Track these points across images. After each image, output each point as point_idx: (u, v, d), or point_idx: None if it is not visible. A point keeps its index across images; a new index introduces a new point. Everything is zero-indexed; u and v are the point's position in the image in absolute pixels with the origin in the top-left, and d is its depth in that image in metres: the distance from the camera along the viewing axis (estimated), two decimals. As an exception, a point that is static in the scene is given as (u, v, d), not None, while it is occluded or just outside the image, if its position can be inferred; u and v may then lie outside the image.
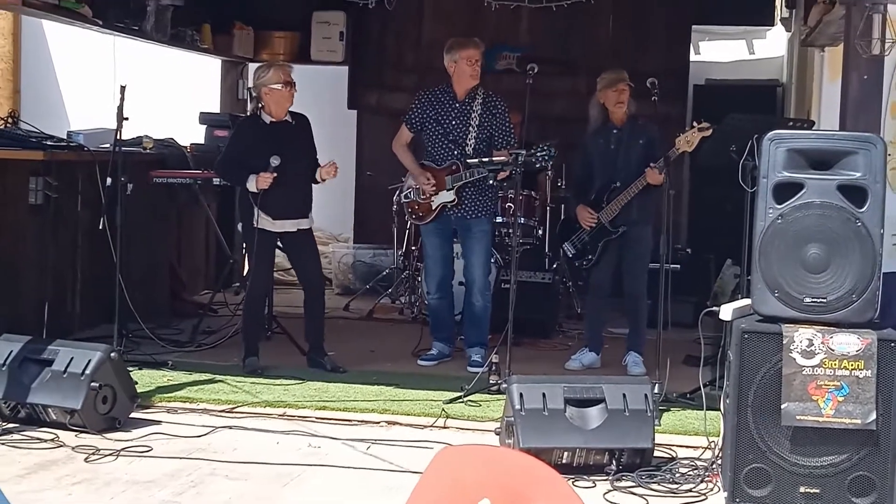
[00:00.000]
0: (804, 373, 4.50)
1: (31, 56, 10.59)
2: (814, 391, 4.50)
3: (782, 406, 4.51)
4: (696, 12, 10.08)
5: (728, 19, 10.50)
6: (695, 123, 6.57)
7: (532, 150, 6.72)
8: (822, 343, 4.51)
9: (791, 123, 6.68)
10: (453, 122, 7.11)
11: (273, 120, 6.76)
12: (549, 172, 8.76)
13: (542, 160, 6.80)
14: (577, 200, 7.22)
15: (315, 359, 6.86)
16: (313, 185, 6.96)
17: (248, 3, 7.46)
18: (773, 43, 11.18)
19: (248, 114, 6.99)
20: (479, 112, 7.08)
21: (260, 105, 6.80)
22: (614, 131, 7.03)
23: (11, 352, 5.53)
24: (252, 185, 6.61)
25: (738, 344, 4.61)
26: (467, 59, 7.04)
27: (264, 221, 6.68)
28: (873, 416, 4.46)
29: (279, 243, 6.95)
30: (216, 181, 7.96)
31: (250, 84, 6.92)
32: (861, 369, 4.48)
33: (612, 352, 7.30)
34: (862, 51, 5.43)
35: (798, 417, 4.49)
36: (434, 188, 7.07)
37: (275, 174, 6.58)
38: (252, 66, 10.60)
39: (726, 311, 4.84)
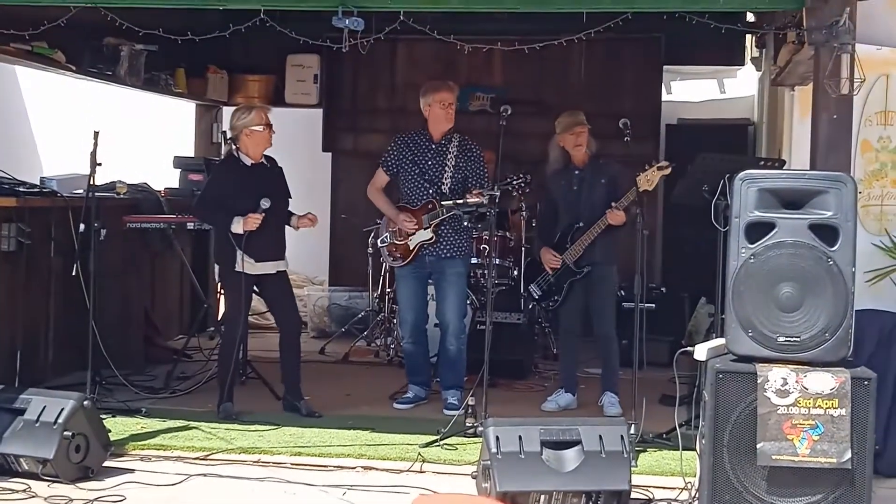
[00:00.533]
0: (779, 412, 4.51)
1: (4, 101, 10.57)
2: (789, 430, 4.51)
3: (758, 446, 4.51)
4: (667, 53, 10.16)
5: (699, 59, 10.60)
6: (654, 162, 6.64)
7: (508, 179, 6.77)
8: (797, 382, 4.53)
9: (762, 163, 6.72)
10: (429, 163, 7.14)
11: (252, 162, 6.77)
12: (524, 213, 8.79)
13: (519, 187, 6.86)
14: (541, 242, 7.27)
15: (291, 403, 6.82)
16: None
17: (221, 46, 7.47)
18: (743, 82, 11.29)
19: (224, 156, 6.97)
20: (454, 154, 7.13)
21: (235, 147, 6.80)
22: (576, 172, 7.09)
23: (-18, 401, 5.47)
24: (238, 227, 6.59)
25: (713, 384, 4.62)
26: (441, 103, 7.09)
27: (246, 265, 6.65)
28: (848, 455, 4.47)
29: (255, 287, 6.92)
30: (190, 225, 7.94)
31: (228, 126, 6.92)
32: (835, 408, 4.50)
33: (589, 392, 7.29)
34: (831, 90, 5.49)
35: (774, 457, 4.49)
36: (414, 227, 7.08)
37: (262, 216, 6.59)
38: (227, 110, 10.68)
39: (701, 351, 4.86)
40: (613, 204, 6.79)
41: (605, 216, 6.84)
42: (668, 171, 6.63)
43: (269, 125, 6.78)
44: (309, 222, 6.92)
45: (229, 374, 6.77)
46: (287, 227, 6.94)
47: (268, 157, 6.89)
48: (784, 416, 4.51)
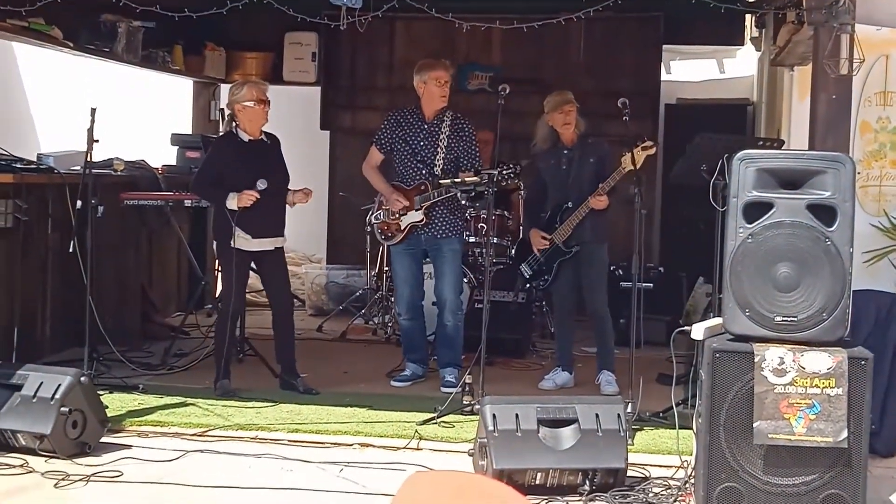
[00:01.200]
0: (776, 391, 4.52)
1: (1, 78, 10.53)
2: (785, 409, 4.52)
3: (754, 425, 4.52)
4: (667, 32, 10.13)
5: (698, 39, 10.56)
6: (639, 142, 6.63)
7: (500, 169, 6.79)
8: (794, 361, 4.54)
9: (761, 143, 6.70)
10: (421, 143, 7.13)
11: (250, 138, 6.76)
12: (522, 192, 8.78)
13: (507, 178, 6.84)
14: (530, 223, 7.27)
15: (287, 381, 6.83)
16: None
17: (219, 24, 7.45)
18: (743, 62, 11.26)
19: (223, 132, 6.95)
20: (447, 134, 7.11)
21: (234, 123, 6.79)
22: (565, 151, 7.08)
23: (-21, 377, 5.48)
24: (233, 202, 6.60)
25: (710, 363, 4.62)
26: (436, 80, 7.07)
27: (242, 241, 6.66)
28: (845, 434, 4.48)
29: (252, 264, 6.92)
30: (188, 202, 7.93)
31: (224, 102, 6.90)
32: (832, 387, 4.51)
33: (586, 371, 7.30)
34: (830, 71, 5.48)
35: (770, 436, 4.51)
36: (405, 207, 7.07)
37: (258, 195, 6.59)
38: (224, 87, 10.65)
39: (698, 331, 4.86)
40: (600, 186, 6.79)
41: (588, 200, 6.83)
42: (653, 150, 6.64)
43: (262, 101, 6.72)
44: (304, 196, 6.88)
45: (224, 351, 6.75)
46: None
47: (268, 134, 6.87)
48: (781, 395, 4.52)
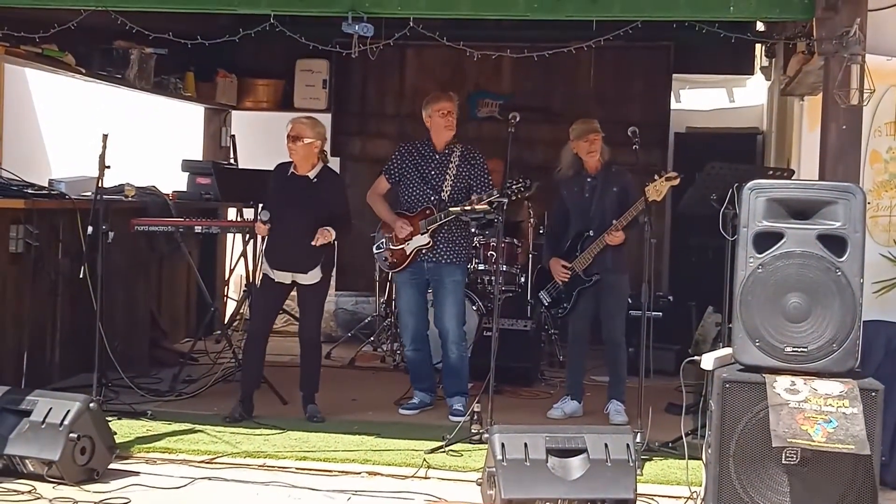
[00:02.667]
0: (790, 405, 4.47)
1: (14, 104, 10.57)
2: (802, 422, 4.46)
3: (772, 430, 4.43)
4: (677, 61, 10.16)
5: (708, 68, 10.58)
6: (662, 172, 6.62)
7: (508, 184, 6.79)
8: (805, 384, 4.52)
9: (771, 172, 6.71)
10: (432, 172, 7.17)
11: (293, 172, 6.84)
12: (532, 220, 8.79)
13: (518, 192, 6.85)
14: (551, 251, 7.25)
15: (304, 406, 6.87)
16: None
17: (231, 50, 7.51)
18: (752, 91, 11.27)
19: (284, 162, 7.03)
20: (456, 164, 7.16)
21: None
22: (588, 179, 7.08)
23: (-11, 402, 5.48)
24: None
25: (720, 393, 4.61)
26: (439, 112, 7.12)
27: (267, 268, 6.83)
28: (868, 448, 4.41)
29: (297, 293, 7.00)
30: (198, 229, 7.95)
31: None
32: (847, 406, 4.47)
33: (595, 400, 7.28)
34: (840, 101, 5.49)
35: (789, 440, 4.43)
36: (409, 233, 7.09)
37: (268, 226, 6.71)
38: (235, 114, 10.72)
39: (708, 361, 4.85)
40: (615, 222, 6.78)
41: (603, 236, 6.84)
42: (677, 181, 6.61)
43: (293, 137, 6.77)
44: (322, 238, 6.77)
45: (248, 374, 6.91)
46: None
47: (323, 173, 6.89)
48: (796, 409, 4.45)
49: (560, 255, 7.14)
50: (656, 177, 6.61)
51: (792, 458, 4.56)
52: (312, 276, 6.81)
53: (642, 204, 6.64)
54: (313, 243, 6.73)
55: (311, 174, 6.85)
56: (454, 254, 7.16)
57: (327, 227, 6.73)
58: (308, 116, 7.06)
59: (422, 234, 7.09)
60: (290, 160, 6.90)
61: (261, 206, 6.86)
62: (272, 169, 7.07)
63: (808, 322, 4.60)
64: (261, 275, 6.98)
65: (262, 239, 6.92)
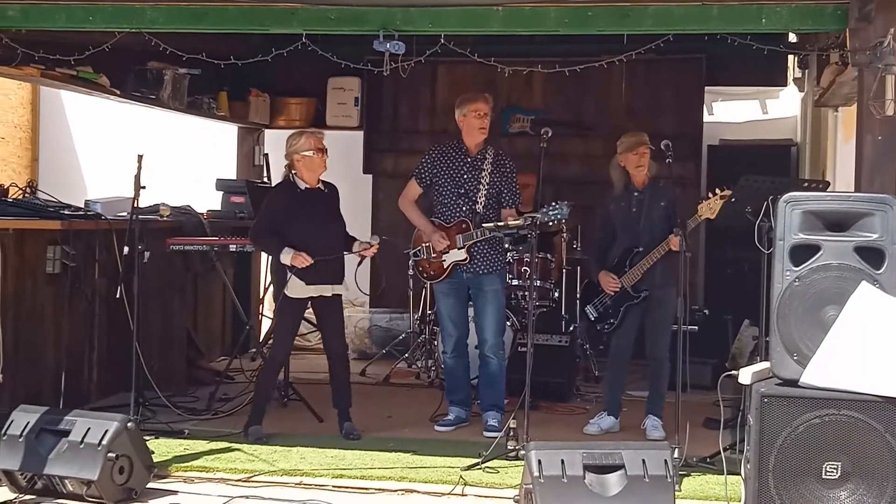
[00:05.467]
0: None
1: (50, 125, 10.72)
2: None
3: None
4: (709, 73, 10.10)
5: (741, 80, 10.52)
6: (717, 190, 6.53)
7: (545, 210, 6.71)
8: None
9: (806, 184, 6.67)
10: (465, 176, 7.14)
11: (307, 186, 6.81)
12: (565, 235, 8.77)
13: (555, 218, 6.78)
14: (599, 266, 7.17)
15: (340, 423, 6.85)
16: None
17: (263, 69, 7.55)
18: (786, 103, 11.22)
19: (281, 180, 7.00)
20: (489, 170, 7.13)
21: (293, 172, 6.85)
22: (636, 194, 7.01)
23: (28, 423, 5.51)
24: (287, 258, 6.65)
25: (758, 408, 4.57)
26: (475, 113, 7.09)
27: (296, 288, 6.70)
28: None
29: (311, 307, 6.94)
30: (233, 247, 8.00)
31: (283, 152, 6.97)
32: None
33: (631, 415, 7.24)
34: (876, 112, 5.45)
35: None
36: (447, 247, 7.09)
37: (312, 261, 6.62)
38: (269, 133, 10.77)
39: (745, 375, 4.81)
40: (675, 230, 6.66)
41: (666, 241, 6.74)
42: (731, 198, 6.51)
43: (320, 149, 6.78)
44: (366, 252, 6.87)
45: (264, 396, 6.83)
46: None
47: (326, 183, 6.91)
48: None
49: (608, 269, 7.09)
50: (710, 195, 6.53)
51: (832, 472, 4.51)
52: (344, 287, 6.89)
53: (696, 222, 6.57)
54: (361, 254, 6.87)
55: (321, 186, 6.87)
56: (491, 264, 7.15)
57: (365, 241, 6.89)
58: (311, 129, 7.12)
59: (459, 249, 7.08)
60: (285, 180, 6.89)
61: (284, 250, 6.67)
62: (273, 190, 7.01)
63: (847, 335, 4.55)
64: (287, 295, 6.78)
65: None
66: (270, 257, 6.97)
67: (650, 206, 6.95)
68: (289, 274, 6.67)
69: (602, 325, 7.19)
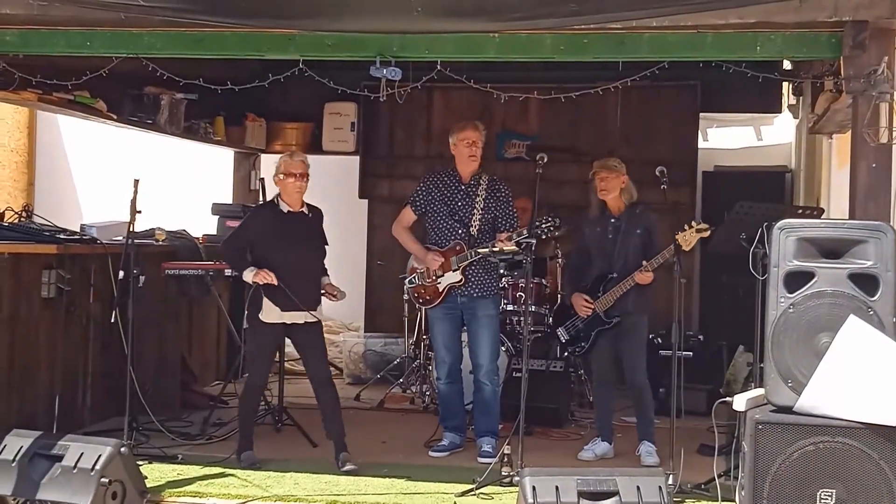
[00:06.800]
0: None
1: (46, 149, 10.74)
2: None
3: None
4: (704, 100, 10.16)
5: (735, 106, 10.58)
6: (693, 223, 6.58)
7: (537, 223, 6.76)
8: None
9: (801, 211, 6.69)
10: (459, 203, 7.17)
11: (289, 209, 6.78)
12: (560, 260, 8.78)
13: (548, 230, 6.82)
14: (573, 287, 7.23)
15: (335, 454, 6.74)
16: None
17: (260, 94, 7.58)
18: (780, 130, 11.26)
19: (269, 199, 6.99)
20: (483, 196, 7.15)
21: (278, 193, 6.84)
22: (612, 220, 7.06)
23: (21, 447, 5.49)
24: (249, 276, 6.62)
25: (753, 435, 4.58)
26: (465, 142, 7.13)
27: (271, 314, 6.64)
28: None
29: (288, 335, 6.90)
30: (228, 272, 7.98)
31: (263, 172, 6.95)
32: None
33: (626, 441, 7.23)
34: (870, 139, 5.48)
35: None
36: (441, 269, 7.10)
37: (275, 281, 6.55)
38: (265, 157, 10.80)
39: (740, 402, 4.82)
40: (644, 263, 6.75)
41: (633, 275, 6.81)
42: (707, 233, 6.54)
43: (294, 174, 6.67)
44: (331, 295, 6.83)
45: (249, 422, 6.79)
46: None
47: (311, 207, 6.86)
48: None
49: (582, 291, 7.12)
50: (686, 227, 6.56)
51: (827, 499, 4.51)
52: (319, 312, 6.79)
53: (669, 252, 6.59)
54: (328, 297, 6.80)
55: (305, 209, 6.80)
56: (485, 287, 7.16)
57: (336, 287, 6.83)
58: (295, 153, 7.02)
59: (454, 271, 7.10)
60: (270, 200, 6.87)
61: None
62: (254, 208, 6.95)
63: (841, 362, 4.56)
64: (251, 322, 6.73)
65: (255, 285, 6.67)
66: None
67: (626, 233, 6.98)
68: (264, 299, 6.64)
69: (574, 348, 7.23)
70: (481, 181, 7.20)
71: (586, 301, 7.05)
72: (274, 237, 6.68)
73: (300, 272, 6.66)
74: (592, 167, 7.10)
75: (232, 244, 6.91)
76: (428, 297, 7.25)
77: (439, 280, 7.15)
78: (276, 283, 6.55)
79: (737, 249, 6.17)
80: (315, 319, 6.75)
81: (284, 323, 6.70)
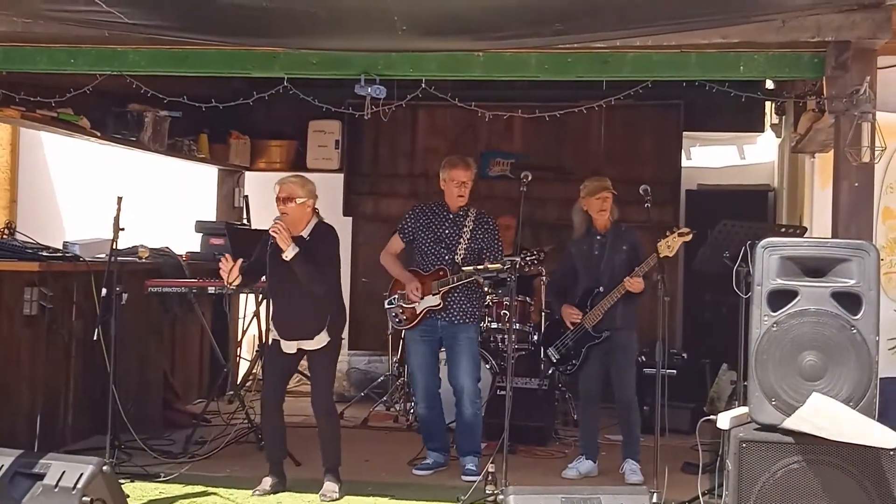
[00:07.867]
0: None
1: (29, 166, 10.67)
2: None
3: None
4: (687, 119, 10.19)
5: (718, 126, 10.62)
6: (675, 228, 6.63)
7: (522, 255, 6.82)
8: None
9: (783, 230, 6.72)
10: (446, 231, 7.20)
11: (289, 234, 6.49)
12: (545, 279, 8.78)
13: (530, 265, 6.86)
14: (559, 301, 7.25)
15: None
16: None
17: (244, 112, 7.58)
18: (763, 149, 11.30)
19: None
20: (470, 227, 7.21)
21: None
22: (598, 237, 7.09)
23: (2, 466, 5.45)
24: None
25: (737, 453, 4.58)
26: (454, 181, 7.15)
27: (276, 335, 6.61)
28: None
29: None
30: (211, 289, 7.96)
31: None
32: None
33: (610, 459, 7.23)
34: (852, 158, 5.51)
35: None
36: (419, 295, 7.10)
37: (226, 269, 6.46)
38: (248, 175, 10.79)
39: (724, 420, 4.82)
40: (636, 269, 6.78)
41: (624, 282, 6.83)
42: (690, 237, 6.62)
43: (279, 199, 6.48)
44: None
45: (268, 441, 6.74)
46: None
47: (316, 228, 6.59)
48: None
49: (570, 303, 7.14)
50: (668, 233, 6.61)
51: (810, 518, 4.51)
52: (319, 341, 6.51)
53: (654, 259, 6.64)
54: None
55: (305, 233, 6.54)
56: (466, 314, 7.16)
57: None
58: (297, 175, 6.77)
59: (433, 295, 7.10)
60: None
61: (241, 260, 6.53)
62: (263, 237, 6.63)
63: (825, 380, 4.59)
64: (270, 340, 6.69)
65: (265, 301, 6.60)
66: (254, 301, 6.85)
67: (612, 250, 7.02)
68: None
69: (565, 367, 7.22)
70: (469, 213, 7.25)
71: (573, 310, 7.07)
72: (271, 264, 6.47)
73: (293, 302, 6.47)
74: (586, 186, 7.11)
75: (250, 263, 6.66)
76: (406, 318, 7.26)
77: (418, 302, 7.15)
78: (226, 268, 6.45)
79: (720, 268, 6.19)
80: (322, 345, 6.52)
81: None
